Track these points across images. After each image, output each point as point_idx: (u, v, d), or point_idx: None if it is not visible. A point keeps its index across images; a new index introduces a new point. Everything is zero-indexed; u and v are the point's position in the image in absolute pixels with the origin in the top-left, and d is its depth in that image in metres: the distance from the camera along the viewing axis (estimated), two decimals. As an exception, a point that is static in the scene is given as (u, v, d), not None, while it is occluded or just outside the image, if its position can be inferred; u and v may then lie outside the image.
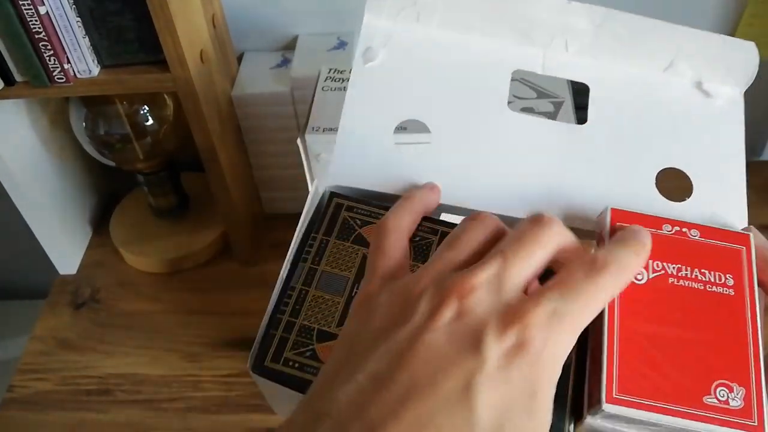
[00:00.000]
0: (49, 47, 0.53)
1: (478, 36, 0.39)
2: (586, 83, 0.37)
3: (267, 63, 0.72)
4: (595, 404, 0.27)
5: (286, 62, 0.71)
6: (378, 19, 0.39)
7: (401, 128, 0.38)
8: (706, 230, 0.30)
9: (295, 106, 0.68)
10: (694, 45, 0.36)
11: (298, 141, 0.53)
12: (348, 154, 0.37)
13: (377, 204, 0.33)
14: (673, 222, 0.30)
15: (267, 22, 0.72)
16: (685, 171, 0.34)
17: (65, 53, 0.54)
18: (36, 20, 0.51)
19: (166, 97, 0.67)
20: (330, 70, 0.60)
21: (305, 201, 0.34)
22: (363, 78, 0.39)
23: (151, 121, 0.66)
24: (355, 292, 0.30)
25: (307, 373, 0.29)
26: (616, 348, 0.27)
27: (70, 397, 0.65)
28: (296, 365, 0.29)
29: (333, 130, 0.53)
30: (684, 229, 0.30)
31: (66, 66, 0.55)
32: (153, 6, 0.51)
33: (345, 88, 0.58)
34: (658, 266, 0.29)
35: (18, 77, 0.56)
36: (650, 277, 0.29)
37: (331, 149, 0.37)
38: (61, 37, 0.53)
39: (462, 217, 0.30)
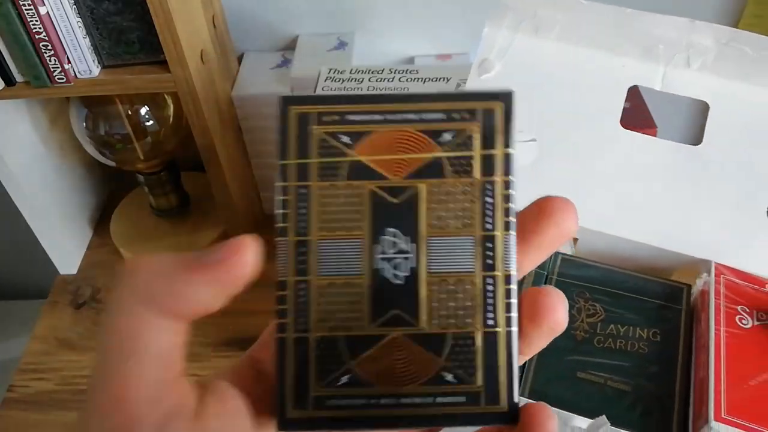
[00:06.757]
0: (49, 47, 0.53)
1: (596, 50, 0.38)
2: (706, 102, 0.36)
3: (267, 63, 0.72)
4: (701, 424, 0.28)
5: (286, 62, 0.71)
6: (498, 32, 0.39)
7: None
8: None
9: (295, 106, 0.68)
10: None
11: (298, 141, 0.53)
12: None
13: (351, 98, 0.20)
14: None
15: (267, 22, 0.72)
16: None
17: (66, 53, 0.54)
18: (36, 20, 0.51)
19: (166, 97, 0.67)
20: (330, 70, 0.60)
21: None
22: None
23: (151, 122, 0.66)
24: (381, 260, 0.20)
25: (356, 410, 0.19)
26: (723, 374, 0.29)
27: (70, 397, 0.65)
28: (334, 403, 0.19)
29: (333, 130, 0.53)
30: None
31: (66, 66, 0.55)
32: (153, 6, 0.51)
33: (345, 89, 0.58)
34: (762, 316, 0.32)
35: (18, 77, 0.56)
36: (755, 324, 0.31)
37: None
38: (61, 37, 0.53)
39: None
